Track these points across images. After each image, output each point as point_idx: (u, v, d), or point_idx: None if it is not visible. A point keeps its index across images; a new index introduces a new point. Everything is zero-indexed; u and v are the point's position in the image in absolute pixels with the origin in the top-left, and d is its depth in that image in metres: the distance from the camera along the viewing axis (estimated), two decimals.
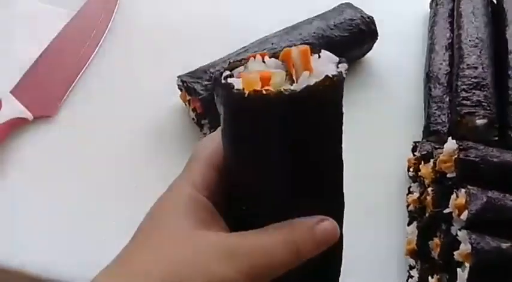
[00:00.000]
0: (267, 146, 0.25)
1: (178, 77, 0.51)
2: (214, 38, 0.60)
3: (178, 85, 0.51)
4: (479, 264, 0.33)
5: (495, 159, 0.39)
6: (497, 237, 0.35)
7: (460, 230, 0.36)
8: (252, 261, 0.23)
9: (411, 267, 0.43)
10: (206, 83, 0.49)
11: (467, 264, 0.34)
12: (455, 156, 0.40)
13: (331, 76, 0.23)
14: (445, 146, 0.41)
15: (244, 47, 0.53)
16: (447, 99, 0.52)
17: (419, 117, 0.54)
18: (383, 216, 0.48)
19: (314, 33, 0.54)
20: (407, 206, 0.48)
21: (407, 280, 0.43)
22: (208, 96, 0.48)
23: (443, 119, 0.50)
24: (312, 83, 0.23)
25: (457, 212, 0.37)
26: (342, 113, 0.26)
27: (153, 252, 0.24)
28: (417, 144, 0.49)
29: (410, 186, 0.49)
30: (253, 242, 0.24)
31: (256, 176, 0.26)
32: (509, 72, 0.49)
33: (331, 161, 0.27)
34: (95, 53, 0.57)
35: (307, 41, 0.53)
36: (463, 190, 0.38)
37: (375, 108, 0.55)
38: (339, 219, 0.27)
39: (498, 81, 0.49)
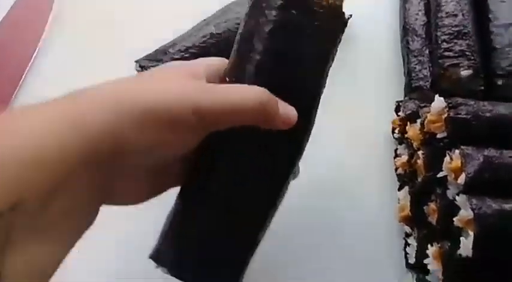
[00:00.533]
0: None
1: (136, 62, 0.46)
2: (172, 16, 0.55)
3: (137, 71, 0.47)
4: (483, 231, 0.31)
5: (488, 114, 0.36)
6: (499, 199, 0.33)
7: (458, 194, 0.34)
8: (226, 98, 0.27)
9: (407, 235, 0.41)
10: None
11: (470, 232, 0.32)
12: (445, 115, 0.37)
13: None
14: (432, 104, 0.39)
15: (205, 20, 0.49)
16: (427, 51, 0.49)
17: (400, 74, 0.51)
18: (371, 181, 0.46)
19: None
20: (396, 169, 0.45)
21: (404, 248, 0.41)
22: None
23: (425, 74, 0.47)
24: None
25: (453, 175, 0.35)
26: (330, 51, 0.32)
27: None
28: (400, 103, 0.46)
29: (397, 149, 0.46)
30: (229, 87, 0.29)
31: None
32: (490, 16, 0.45)
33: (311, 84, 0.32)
34: (37, 50, 0.52)
35: None
36: (456, 151, 0.35)
37: (352, 68, 0.52)
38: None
39: (479, 27, 0.46)
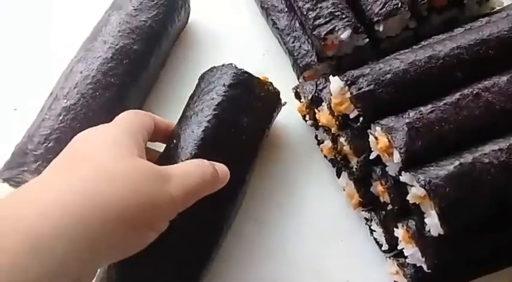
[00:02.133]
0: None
1: None
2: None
3: (8, 184, 0.38)
4: (444, 204, 0.28)
5: (388, 76, 0.33)
6: (439, 162, 0.30)
7: (399, 173, 0.31)
8: (176, 181, 0.29)
9: (367, 220, 0.39)
10: (35, 165, 0.37)
11: (430, 209, 0.29)
12: (347, 94, 0.34)
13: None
14: (330, 87, 0.35)
15: (51, 94, 0.41)
16: (297, 25, 0.45)
17: (278, 60, 0.47)
18: (305, 175, 0.42)
19: (120, 32, 0.42)
20: (325, 156, 0.42)
21: (371, 234, 0.39)
22: None
23: (306, 48, 0.44)
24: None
25: (386, 155, 0.32)
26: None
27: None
28: (298, 89, 0.43)
29: (316, 135, 0.43)
30: (176, 168, 0.31)
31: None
32: None
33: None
34: None
35: (117, 47, 0.41)
36: (377, 128, 0.32)
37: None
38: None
39: None
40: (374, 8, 0.41)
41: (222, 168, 0.33)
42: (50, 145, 0.38)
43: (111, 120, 0.40)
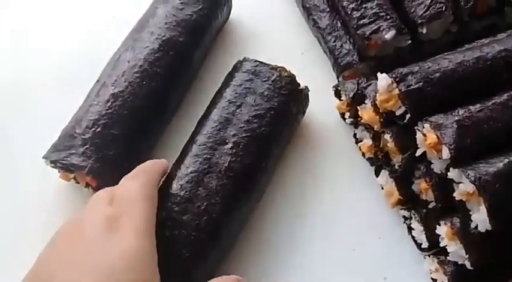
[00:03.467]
0: None
1: (45, 158, 0.39)
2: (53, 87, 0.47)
3: (52, 167, 0.39)
4: (494, 200, 0.29)
5: (437, 74, 0.34)
6: (489, 159, 0.31)
7: (447, 169, 0.32)
8: None
9: (406, 218, 0.39)
10: (83, 149, 0.38)
11: (479, 205, 0.30)
12: (395, 91, 0.35)
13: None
14: (378, 84, 0.36)
15: (98, 81, 0.42)
16: (339, 24, 0.46)
17: (317, 58, 0.48)
18: (342, 173, 0.43)
19: (166, 24, 0.43)
20: (363, 155, 0.43)
21: (409, 232, 0.39)
22: (95, 162, 0.38)
23: (348, 48, 0.44)
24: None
25: (433, 151, 0.32)
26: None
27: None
28: (338, 87, 0.43)
29: (355, 134, 0.43)
30: None
31: None
32: None
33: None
34: None
35: (164, 38, 0.43)
36: (426, 125, 0.33)
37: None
38: None
39: None
40: (418, 10, 0.41)
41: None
42: (97, 130, 0.39)
43: (155, 110, 0.42)
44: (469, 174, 0.30)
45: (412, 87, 0.34)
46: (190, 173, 0.36)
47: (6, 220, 0.41)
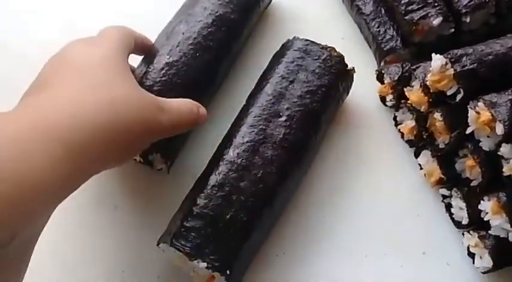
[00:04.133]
0: None
1: None
2: None
3: None
4: None
5: (490, 57, 0.36)
6: None
7: (499, 145, 0.33)
8: (169, 114, 0.33)
9: (445, 197, 0.41)
10: None
11: None
12: (449, 71, 0.36)
13: None
14: (432, 64, 0.37)
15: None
16: (383, 11, 0.47)
17: (356, 45, 0.49)
18: (381, 154, 0.44)
19: (219, 0, 0.44)
20: (402, 137, 0.44)
21: (448, 210, 0.40)
22: None
23: (392, 34, 0.46)
24: None
25: (488, 129, 0.34)
26: None
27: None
28: (382, 71, 0.45)
29: (395, 116, 0.45)
30: (172, 103, 0.35)
31: None
32: None
33: None
34: None
35: (217, 14, 0.44)
36: (480, 103, 0.34)
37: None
38: None
39: None
40: (463, 0, 0.43)
41: (203, 110, 0.37)
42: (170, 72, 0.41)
43: (206, 81, 0.43)
44: None
45: (467, 67, 0.35)
46: (247, 142, 0.37)
47: None
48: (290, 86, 0.40)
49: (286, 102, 0.39)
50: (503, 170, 0.33)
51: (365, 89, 0.47)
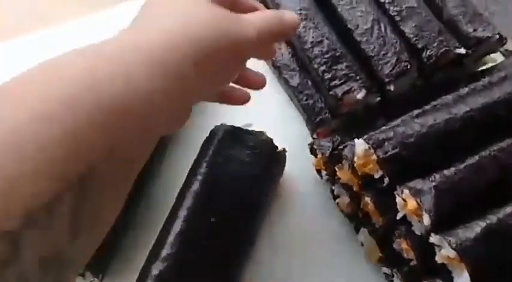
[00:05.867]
0: None
1: None
2: None
3: None
4: (475, 265, 0.30)
5: (412, 139, 0.35)
6: (467, 223, 0.32)
7: (428, 233, 0.33)
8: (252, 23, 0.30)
9: (388, 275, 0.40)
10: None
11: (462, 271, 0.31)
12: (373, 156, 0.36)
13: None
14: (355, 149, 0.37)
15: None
16: (309, 83, 0.47)
17: (291, 115, 0.49)
18: (320, 232, 0.44)
19: None
20: (341, 210, 0.43)
21: None
22: None
23: (320, 105, 0.46)
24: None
25: (415, 217, 0.33)
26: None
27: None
28: (314, 145, 0.44)
29: (332, 190, 0.44)
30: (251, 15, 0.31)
31: None
32: (349, 26, 0.44)
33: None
34: None
35: None
36: (405, 191, 0.34)
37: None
38: None
39: (344, 40, 0.45)
40: (385, 69, 0.43)
41: (291, 15, 0.33)
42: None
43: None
44: (450, 241, 0.31)
45: (389, 153, 0.35)
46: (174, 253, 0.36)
47: None
48: (221, 179, 0.39)
49: (216, 201, 0.38)
50: (436, 258, 0.33)
51: (302, 162, 0.46)
